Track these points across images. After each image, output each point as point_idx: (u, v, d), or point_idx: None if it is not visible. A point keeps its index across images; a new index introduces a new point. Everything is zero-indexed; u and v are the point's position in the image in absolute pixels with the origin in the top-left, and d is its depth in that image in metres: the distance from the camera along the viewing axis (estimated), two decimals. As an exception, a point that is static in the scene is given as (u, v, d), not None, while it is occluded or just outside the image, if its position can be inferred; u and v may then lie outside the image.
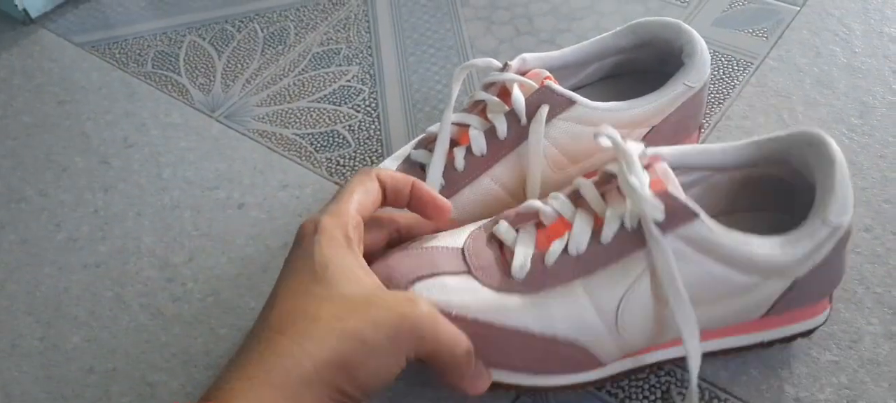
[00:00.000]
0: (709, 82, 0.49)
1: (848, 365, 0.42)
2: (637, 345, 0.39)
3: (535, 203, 0.40)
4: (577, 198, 0.39)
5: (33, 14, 0.71)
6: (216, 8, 0.71)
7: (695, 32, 0.47)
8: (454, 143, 0.46)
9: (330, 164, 0.56)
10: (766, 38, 0.60)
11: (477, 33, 0.64)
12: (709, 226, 0.36)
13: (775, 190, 0.43)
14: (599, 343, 0.38)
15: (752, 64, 0.58)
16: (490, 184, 0.45)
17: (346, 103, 0.60)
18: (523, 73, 0.47)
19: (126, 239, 0.52)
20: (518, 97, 0.45)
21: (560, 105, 0.44)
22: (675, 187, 0.37)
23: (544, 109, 0.44)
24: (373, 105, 0.60)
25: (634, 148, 0.38)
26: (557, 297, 0.38)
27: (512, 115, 0.45)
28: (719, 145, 0.41)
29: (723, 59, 0.59)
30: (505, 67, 0.47)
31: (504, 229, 0.40)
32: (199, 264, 0.50)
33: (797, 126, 0.53)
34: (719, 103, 0.56)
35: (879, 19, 0.61)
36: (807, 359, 0.43)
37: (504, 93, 0.46)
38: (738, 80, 0.57)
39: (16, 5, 0.70)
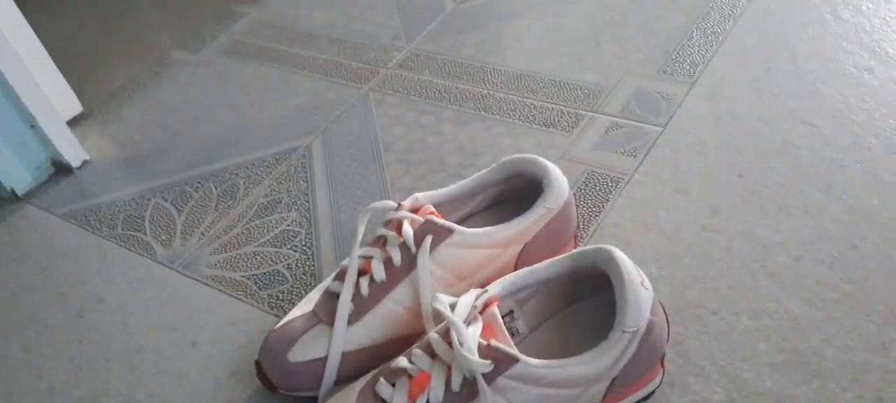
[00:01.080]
0: (573, 201, 0.60)
1: (695, 428, 0.51)
2: None
3: (402, 360, 0.49)
4: (432, 351, 0.48)
5: (20, 192, 0.82)
6: (178, 172, 0.82)
7: (550, 165, 0.58)
8: (361, 273, 0.56)
9: (271, 300, 0.65)
10: (635, 156, 0.71)
11: (397, 174, 0.75)
12: (528, 364, 0.46)
13: (598, 278, 0.52)
14: None
15: (622, 179, 0.69)
16: (392, 306, 0.55)
17: (285, 244, 0.70)
18: (415, 210, 0.57)
19: (97, 382, 0.61)
20: (407, 230, 0.55)
21: (442, 234, 0.55)
22: (502, 335, 0.47)
23: (428, 239, 0.54)
24: (308, 244, 0.70)
25: (467, 301, 0.48)
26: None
27: (404, 246, 0.55)
28: (545, 263, 0.51)
29: (599, 177, 0.70)
30: (399, 207, 0.57)
31: (382, 386, 0.49)
32: (160, 398, 0.59)
33: (655, 230, 0.63)
34: (596, 216, 0.66)
35: (729, 133, 0.72)
36: (661, 427, 0.51)
37: (398, 228, 0.56)
38: (611, 195, 0.68)
39: (3, 185, 0.81)
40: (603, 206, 0.67)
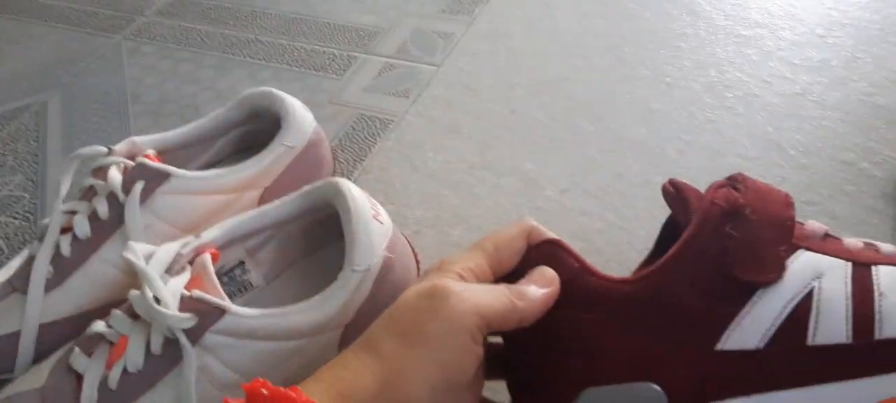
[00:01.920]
0: (324, 140, 0.53)
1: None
2: None
3: (99, 325, 0.41)
4: (132, 312, 0.41)
5: None
6: None
7: (288, 97, 0.52)
8: (64, 231, 0.47)
9: (-23, 275, 0.55)
10: (408, 97, 0.66)
11: (145, 126, 0.66)
12: (239, 315, 0.39)
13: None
14: None
15: (393, 121, 0.64)
16: (101, 266, 0.47)
17: (4, 212, 0.60)
18: (132, 157, 0.49)
19: None
20: (114, 177, 0.47)
21: (156, 178, 0.47)
22: (211, 283, 0.40)
23: (139, 186, 0.46)
24: (31, 210, 0.60)
25: (170, 248, 0.41)
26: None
27: (112, 196, 0.47)
28: (273, 204, 0.45)
29: (368, 120, 0.64)
30: (110, 152, 0.49)
31: (76, 357, 0.40)
32: None
33: (423, 170, 0.59)
34: (361, 160, 0.60)
35: (504, 70, 0.68)
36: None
37: (106, 176, 0.48)
38: (379, 138, 0.62)
39: None
40: (370, 150, 0.61)
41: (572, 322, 0.35)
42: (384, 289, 0.43)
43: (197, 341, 0.39)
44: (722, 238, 0.35)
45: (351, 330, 0.42)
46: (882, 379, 0.35)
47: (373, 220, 0.42)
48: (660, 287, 0.35)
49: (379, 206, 0.44)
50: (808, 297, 0.34)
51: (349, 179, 0.59)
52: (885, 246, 0.37)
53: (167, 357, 0.40)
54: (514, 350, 0.38)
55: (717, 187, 0.36)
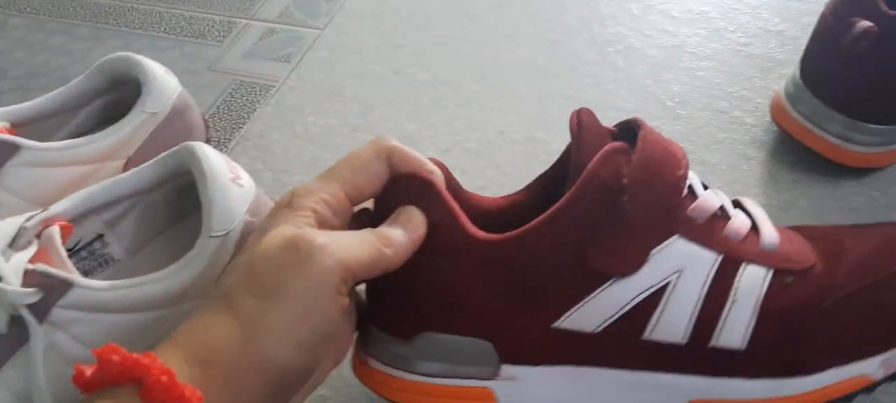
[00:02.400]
0: (192, 105, 0.52)
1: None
2: None
3: None
4: None
5: None
6: None
7: (148, 61, 0.49)
8: None
9: None
10: (289, 62, 0.64)
11: (11, 102, 0.63)
12: (88, 287, 0.37)
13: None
14: None
15: (273, 87, 0.62)
16: (-53, 246, 0.44)
17: None
18: (-19, 130, 0.46)
19: None
20: (-45, 153, 0.44)
21: (4, 152, 0.44)
22: (58, 256, 0.38)
23: (-18, 159, 0.44)
24: None
25: (14, 222, 0.39)
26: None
27: (-47, 173, 0.44)
28: (129, 172, 0.43)
29: (247, 87, 0.62)
30: (-46, 127, 0.46)
31: None
32: None
33: (303, 136, 0.57)
34: (239, 127, 0.59)
35: (389, 31, 0.67)
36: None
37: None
38: (259, 104, 0.60)
39: None
40: (249, 116, 0.60)
41: (426, 267, 0.35)
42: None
43: (44, 317, 0.37)
44: (590, 221, 0.34)
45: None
46: (699, 380, 0.37)
47: (231, 183, 0.41)
48: (520, 251, 0.34)
49: (240, 170, 0.42)
50: (660, 292, 0.35)
51: (227, 147, 0.57)
52: (768, 235, 0.37)
53: (14, 336, 0.37)
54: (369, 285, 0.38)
55: (608, 153, 0.34)
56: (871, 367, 0.37)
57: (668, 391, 0.37)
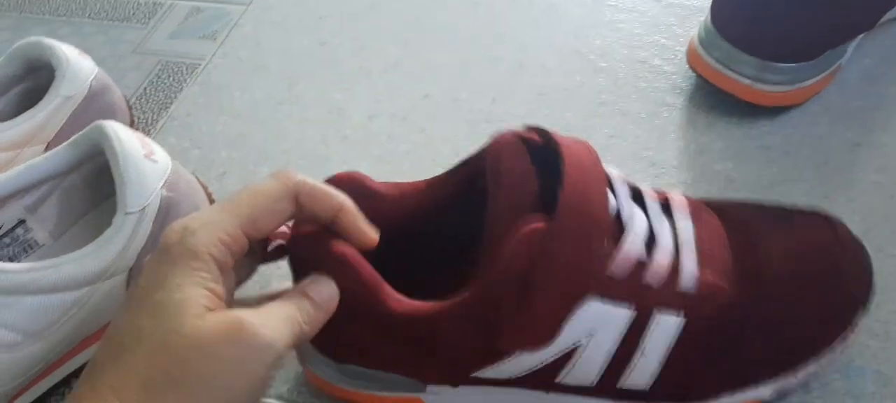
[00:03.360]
0: (112, 87, 0.52)
1: (255, 309, 0.46)
2: None
3: None
4: None
5: None
6: None
7: (61, 45, 0.49)
8: None
9: None
10: (215, 39, 0.64)
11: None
12: (5, 271, 0.37)
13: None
14: None
15: (199, 65, 0.62)
16: None
17: None
18: None
19: None
20: None
21: (-84, 144, 0.44)
22: None
23: None
24: None
25: None
26: None
27: None
28: (43, 155, 0.43)
29: (173, 67, 0.62)
30: None
31: None
32: None
33: (229, 112, 0.57)
34: (166, 108, 0.59)
35: (314, 3, 0.67)
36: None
37: None
38: (185, 84, 0.60)
39: None
40: (176, 97, 0.59)
41: (345, 328, 0.35)
42: (160, 230, 0.42)
43: (-40, 304, 0.37)
44: (498, 307, 0.33)
45: (135, 274, 0.42)
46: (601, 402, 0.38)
47: (144, 159, 0.41)
48: (432, 328, 0.35)
49: (154, 145, 0.43)
50: (571, 353, 0.35)
51: (154, 128, 0.57)
52: (688, 273, 0.35)
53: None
54: None
55: (521, 237, 0.33)
56: (763, 393, 0.38)
57: None
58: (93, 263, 0.39)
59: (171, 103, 0.59)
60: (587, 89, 0.56)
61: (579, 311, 0.34)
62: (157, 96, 0.60)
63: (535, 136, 0.36)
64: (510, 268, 0.32)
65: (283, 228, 0.35)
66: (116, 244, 0.40)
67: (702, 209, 0.39)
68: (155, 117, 0.58)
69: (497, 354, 0.35)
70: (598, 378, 0.36)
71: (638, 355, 0.36)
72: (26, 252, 0.45)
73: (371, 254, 0.35)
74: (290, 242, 0.35)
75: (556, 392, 0.38)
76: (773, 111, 0.53)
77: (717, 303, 0.36)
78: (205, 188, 0.46)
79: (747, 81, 0.52)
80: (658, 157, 0.52)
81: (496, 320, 0.33)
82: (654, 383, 0.37)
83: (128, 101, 0.54)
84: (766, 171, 0.50)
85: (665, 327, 0.35)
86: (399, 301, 0.34)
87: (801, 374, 0.38)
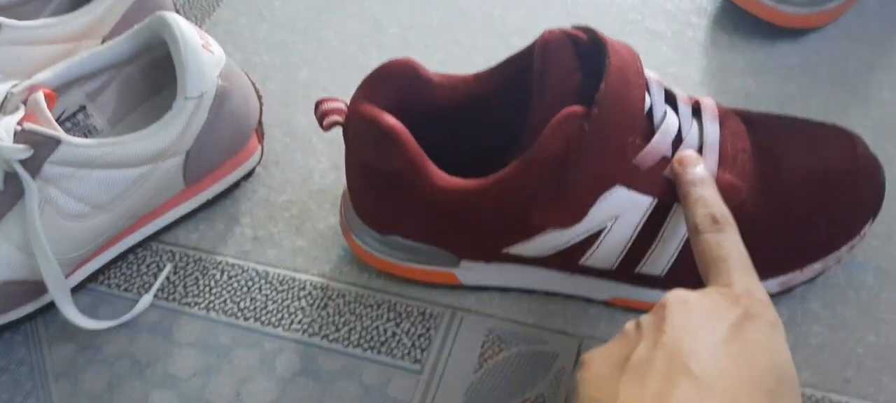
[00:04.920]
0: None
1: (299, 199, 0.49)
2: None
3: None
4: None
5: None
6: None
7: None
8: None
9: None
10: (255, -49, 0.66)
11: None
12: (75, 144, 0.40)
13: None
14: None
15: (240, -25, 0.64)
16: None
17: None
18: None
19: None
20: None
21: (-14, 31, 0.47)
22: (45, 117, 0.41)
23: (-33, 38, 0.46)
24: None
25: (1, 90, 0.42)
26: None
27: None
28: (107, 44, 0.46)
29: (215, -24, 0.64)
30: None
31: None
32: None
33: (270, 20, 0.60)
34: (208, 15, 0.61)
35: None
36: (264, 203, 0.49)
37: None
38: (227, -8, 0.63)
39: None
40: (218, 3, 0.62)
41: (393, 202, 0.40)
42: (222, 116, 0.45)
43: (36, 173, 0.40)
44: (533, 186, 0.36)
45: (192, 156, 0.45)
46: (622, 286, 0.41)
47: (202, 50, 0.44)
48: (472, 204, 0.38)
49: (209, 38, 0.45)
50: (596, 235, 0.38)
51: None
52: (708, 168, 0.38)
53: (9, 192, 0.41)
54: None
55: (560, 122, 0.35)
56: (769, 287, 0.40)
57: (596, 288, 0.42)
58: (154, 143, 0.43)
59: (213, 9, 0.61)
60: (616, 8, 0.59)
61: (608, 195, 0.37)
62: (201, 2, 0.62)
63: (582, 35, 0.39)
64: (548, 150, 0.35)
65: (339, 104, 0.38)
66: (176, 126, 0.43)
67: (729, 116, 0.42)
68: (198, 23, 0.60)
69: (529, 230, 0.38)
70: (618, 262, 0.40)
71: (657, 242, 0.39)
72: (86, 136, 0.48)
73: (418, 137, 0.38)
74: (346, 118, 0.38)
75: (579, 273, 0.41)
76: (795, 33, 0.55)
77: (734, 201, 0.38)
78: (253, 84, 0.49)
79: (770, 3, 0.54)
80: (681, 73, 0.54)
81: (532, 197, 0.37)
82: (670, 270, 0.40)
83: (175, 4, 0.56)
84: (783, 87, 0.52)
85: (683, 218, 0.38)
86: (441, 176, 0.37)
87: (807, 271, 0.41)
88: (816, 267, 0.41)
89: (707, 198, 0.35)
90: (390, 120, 0.37)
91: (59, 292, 0.42)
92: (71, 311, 0.42)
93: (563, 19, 0.58)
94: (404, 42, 0.58)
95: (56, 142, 0.40)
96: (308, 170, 0.51)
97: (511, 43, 0.57)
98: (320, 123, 0.39)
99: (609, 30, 0.58)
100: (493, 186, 0.37)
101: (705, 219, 0.34)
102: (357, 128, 0.38)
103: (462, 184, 0.37)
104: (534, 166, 0.36)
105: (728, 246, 0.33)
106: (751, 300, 0.31)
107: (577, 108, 0.35)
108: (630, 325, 0.32)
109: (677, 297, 0.31)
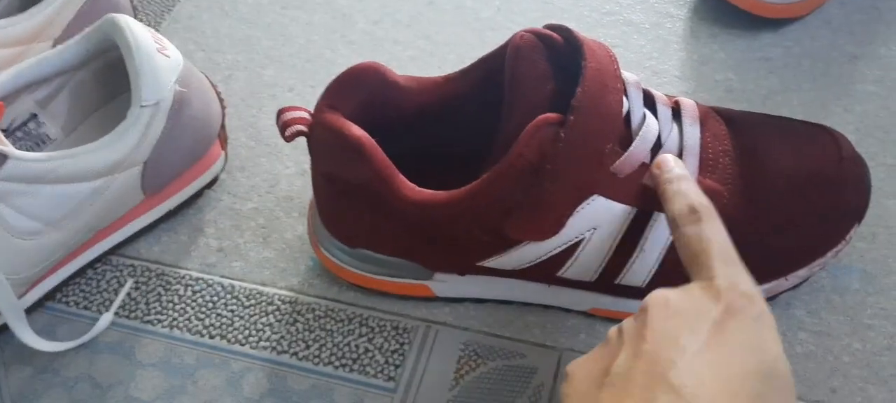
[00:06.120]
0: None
1: (265, 207, 0.47)
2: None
3: None
4: None
5: None
6: None
7: (65, -59, 0.49)
8: None
9: None
10: (217, -58, 0.64)
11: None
12: (23, 159, 0.38)
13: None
14: None
15: (202, -32, 0.62)
16: None
17: None
18: None
19: None
20: None
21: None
22: None
23: None
24: None
25: None
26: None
27: None
28: (57, 48, 0.43)
29: (176, -31, 0.62)
30: None
31: None
32: None
33: (233, 15, 0.57)
34: (169, 10, 0.58)
35: None
36: (229, 212, 0.47)
37: None
38: (188, -14, 0.60)
39: None
40: (178, -1, 0.59)
41: (364, 216, 0.38)
42: (182, 123, 0.43)
43: (-17, 191, 0.38)
44: (509, 197, 0.35)
45: (151, 166, 0.42)
46: (602, 297, 0.40)
47: (157, 54, 0.41)
48: (444, 215, 0.36)
49: (165, 41, 0.43)
50: (575, 246, 0.37)
51: (158, 30, 0.57)
52: (675, 168, 0.36)
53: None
54: None
55: (534, 129, 0.34)
56: None
57: (576, 300, 0.41)
58: (109, 155, 0.40)
59: (174, 5, 0.59)
60: (591, -1, 0.57)
61: (586, 206, 0.35)
62: (160, -2, 0.59)
63: (556, 36, 0.37)
64: (522, 159, 0.34)
65: (302, 112, 0.36)
66: (132, 137, 0.41)
67: (710, 116, 0.40)
68: (158, 19, 0.58)
69: (505, 243, 0.36)
70: (597, 273, 0.38)
71: (637, 252, 0.37)
72: (39, 146, 0.45)
73: (386, 145, 0.36)
74: (310, 128, 0.36)
75: (558, 285, 0.40)
76: (776, 23, 0.54)
77: (715, 207, 0.37)
78: (214, 87, 0.47)
79: (751, -7, 0.52)
80: (661, 67, 0.52)
81: (506, 209, 0.35)
82: (651, 280, 0.38)
83: (132, 1, 0.54)
84: (765, 81, 0.51)
85: (664, 226, 0.37)
86: (411, 189, 0.36)
87: (792, 279, 0.40)
88: (801, 273, 0.40)
89: (684, 189, 0.34)
90: (356, 130, 0.35)
91: (12, 314, 0.40)
92: (26, 333, 0.40)
93: (536, 11, 0.56)
94: (373, 38, 0.55)
95: (3, 157, 0.37)
96: (275, 175, 0.48)
97: (485, 38, 0.55)
98: (282, 134, 0.36)
99: (585, 22, 0.57)
100: (465, 198, 0.35)
101: (683, 211, 0.33)
102: (321, 139, 0.36)
103: (433, 196, 0.35)
104: (508, 177, 0.34)
105: (708, 236, 0.32)
106: (733, 294, 0.30)
107: (552, 116, 0.34)
108: (612, 332, 0.31)
109: (659, 298, 0.30)
